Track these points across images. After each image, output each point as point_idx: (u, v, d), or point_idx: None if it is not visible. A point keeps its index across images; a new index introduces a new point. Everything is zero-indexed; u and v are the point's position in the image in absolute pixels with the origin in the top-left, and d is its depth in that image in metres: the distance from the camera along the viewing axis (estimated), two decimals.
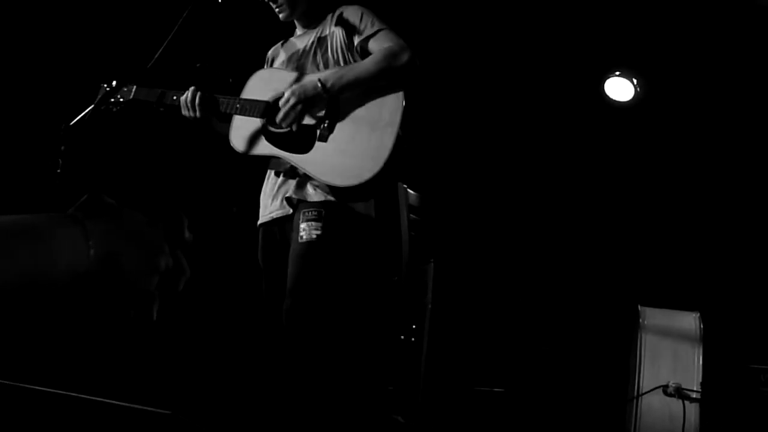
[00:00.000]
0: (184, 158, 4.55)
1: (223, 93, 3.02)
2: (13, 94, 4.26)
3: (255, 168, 3.10)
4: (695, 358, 3.85)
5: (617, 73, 5.40)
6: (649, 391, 3.79)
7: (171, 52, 2.80)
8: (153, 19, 4.19)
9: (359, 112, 2.84)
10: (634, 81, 5.37)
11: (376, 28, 2.93)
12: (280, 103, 2.86)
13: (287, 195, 2.89)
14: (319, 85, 2.83)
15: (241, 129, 2.98)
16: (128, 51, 3.93)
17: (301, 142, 2.85)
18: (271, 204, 3.00)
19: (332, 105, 2.86)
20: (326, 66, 2.98)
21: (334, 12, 3.06)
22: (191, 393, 3.65)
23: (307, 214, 2.80)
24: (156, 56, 2.82)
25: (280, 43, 3.27)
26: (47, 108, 3.97)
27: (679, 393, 3.77)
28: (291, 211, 2.89)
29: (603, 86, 5.46)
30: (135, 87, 3.11)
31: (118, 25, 4.46)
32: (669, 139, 5.48)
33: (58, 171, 2.81)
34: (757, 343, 4.46)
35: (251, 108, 2.95)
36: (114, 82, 3.12)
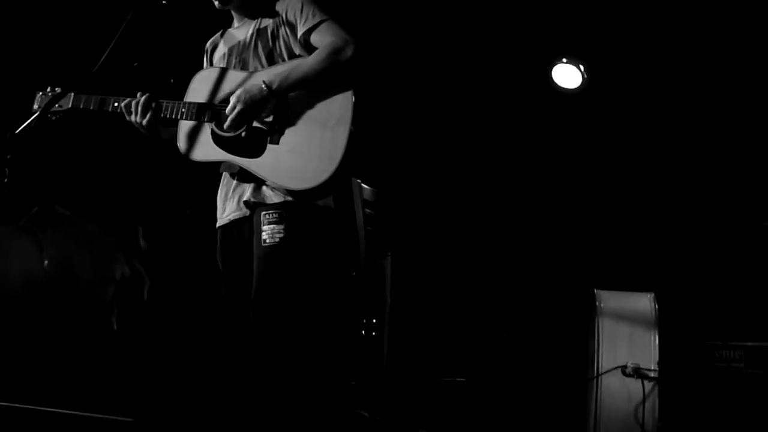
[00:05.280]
0: (135, 163, 4.49)
1: (165, 94, 2.96)
2: None
3: (207, 169, 3.06)
4: (651, 338, 3.91)
5: (564, 60, 5.45)
6: (607, 372, 3.85)
7: (109, 54, 2.76)
8: (89, 22, 4.13)
9: (309, 112, 2.81)
10: (581, 67, 5.43)
11: (317, 20, 2.87)
12: (227, 110, 2.82)
13: (244, 198, 2.86)
14: (264, 87, 2.79)
15: (189, 134, 2.92)
16: (65, 55, 3.87)
17: (252, 145, 2.81)
18: (227, 207, 2.97)
19: (280, 106, 2.82)
20: (269, 59, 2.93)
21: (273, 1, 3.00)
22: (153, 399, 3.62)
23: (268, 216, 2.77)
24: (100, 62, 2.77)
25: (219, 34, 3.20)
26: None
27: (638, 373, 3.84)
28: (248, 212, 2.87)
29: (550, 73, 5.51)
30: (72, 94, 3.03)
31: (54, 30, 4.38)
32: (618, 123, 5.55)
33: (5, 181, 2.76)
34: (710, 320, 4.56)
35: (197, 112, 2.90)
36: (49, 89, 3.06)
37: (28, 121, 2.90)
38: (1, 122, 2.94)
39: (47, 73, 3.19)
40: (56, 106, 3.04)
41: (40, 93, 3.10)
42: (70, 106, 3.03)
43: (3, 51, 4.33)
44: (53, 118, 3.06)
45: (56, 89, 3.06)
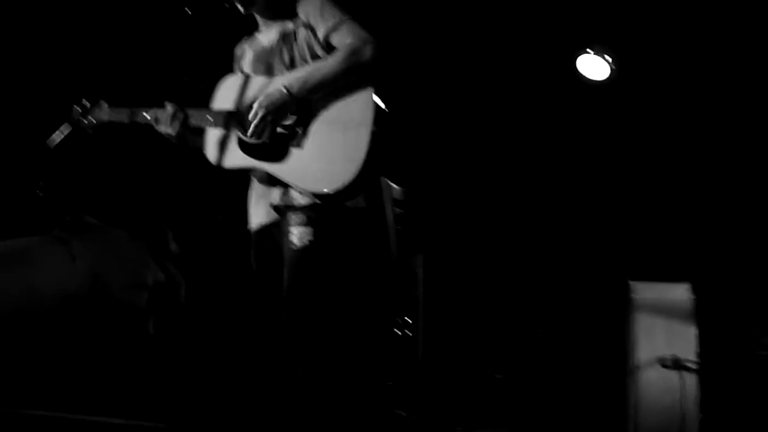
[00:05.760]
0: (165, 170, 4.52)
1: (195, 102, 2.99)
2: None
3: (238, 173, 3.08)
4: (690, 329, 3.86)
5: (589, 51, 5.40)
6: (646, 365, 3.81)
7: (142, 64, 2.80)
8: (122, 34, 4.17)
9: (331, 114, 2.81)
10: (608, 58, 5.37)
11: (337, 20, 2.86)
12: (250, 117, 2.83)
13: (273, 203, 2.87)
14: (285, 91, 2.79)
15: (217, 142, 2.95)
16: (98, 68, 3.91)
17: (276, 149, 2.82)
18: (258, 211, 2.98)
19: (303, 109, 2.83)
20: (293, 64, 2.94)
21: (295, 3, 3.01)
22: (187, 403, 3.64)
23: (296, 218, 2.78)
24: (128, 72, 2.81)
25: (246, 39, 3.23)
26: (25, 130, 3.95)
27: (677, 364, 3.79)
28: (279, 217, 2.88)
29: (576, 65, 5.46)
30: (107, 107, 3.10)
31: (86, 43, 4.43)
32: (648, 113, 5.49)
33: (41, 193, 2.79)
34: (750, 308, 4.49)
35: (223, 120, 2.92)
36: (85, 102, 3.10)
37: (62, 134, 2.95)
38: (36, 136, 2.99)
39: (83, 88, 3.24)
40: (91, 119, 3.10)
41: (77, 107, 3.15)
42: (105, 119, 3.10)
43: (40, 66, 4.39)
44: (90, 131, 3.13)
45: (90, 103, 3.11)
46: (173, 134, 2.97)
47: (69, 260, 0.66)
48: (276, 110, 2.80)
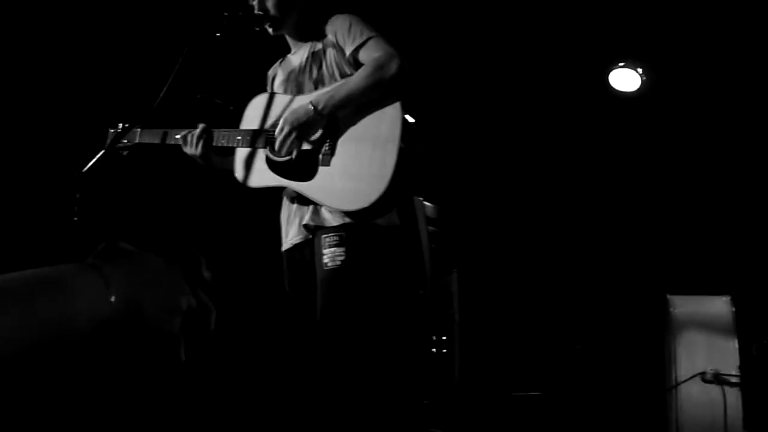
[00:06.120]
0: (196, 193, 4.55)
1: (226, 122, 3.01)
2: (23, 145, 4.28)
3: (269, 193, 3.08)
4: (731, 343, 3.79)
5: (621, 64, 5.37)
6: (686, 380, 3.74)
7: (174, 87, 2.82)
8: (153, 57, 4.22)
9: (358, 130, 2.80)
10: (640, 71, 5.33)
11: (365, 37, 2.87)
12: (276, 133, 2.84)
13: (304, 222, 2.87)
14: (311, 108, 2.79)
15: (245, 161, 2.96)
16: (131, 92, 3.96)
17: (305, 168, 2.83)
18: (289, 231, 2.98)
19: (330, 126, 2.83)
20: (322, 82, 2.95)
21: (324, 23, 3.02)
22: (221, 428, 3.64)
23: (328, 239, 2.78)
24: (160, 96, 2.83)
25: (278, 62, 3.25)
26: (59, 156, 3.99)
27: (718, 379, 3.72)
28: (310, 236, 2.87)
29: (608, 78, 5.43)
30: (140, 129, 3.12)
31: (119, 67, 4.48)
32: (680, 126, 5.44)
33: (75, 219, 2.82)
34: None
35: (251, 139, 2.93)
36: (120, 125, 3.13)
37: (95, 159, 2.98)
38: (73, 161, 3.02)
39: (119, 111, 3.28)
40: (124, 141, 3.13)
41: (112, 131, 3.18)
42: (137, 141, 3.12)
43: (73, 91, 4.45)
44: (124, 153, 3.16)
45: (125, 125, 3.14)
46: (198, 155, 2.99)
47: (103, 287, 0.66)
48: (301, 126, 2.80)
